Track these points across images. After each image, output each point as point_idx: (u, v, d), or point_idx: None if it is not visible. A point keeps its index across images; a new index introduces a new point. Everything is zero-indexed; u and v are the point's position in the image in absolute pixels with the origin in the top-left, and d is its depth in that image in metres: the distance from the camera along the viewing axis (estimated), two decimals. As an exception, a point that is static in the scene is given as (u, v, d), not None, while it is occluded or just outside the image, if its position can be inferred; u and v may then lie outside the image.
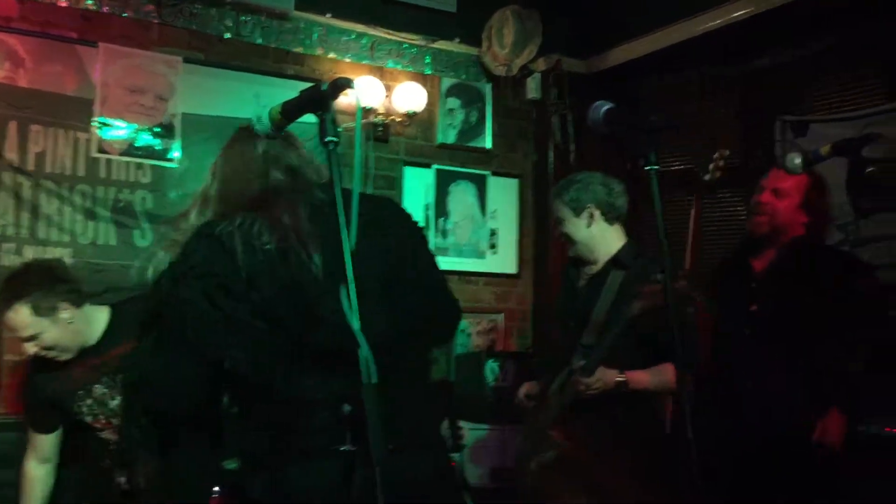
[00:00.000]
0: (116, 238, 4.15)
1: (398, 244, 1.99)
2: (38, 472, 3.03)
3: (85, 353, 2.92)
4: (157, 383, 1.90)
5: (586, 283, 3.16)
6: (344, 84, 1.62)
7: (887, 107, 3.91)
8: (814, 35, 4.23)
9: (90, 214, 4.11)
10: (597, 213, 3.09)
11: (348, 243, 1.57)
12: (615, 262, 3.06)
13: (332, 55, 4.78)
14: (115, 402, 2.90)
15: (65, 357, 2.89)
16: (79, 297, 2.89)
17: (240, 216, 1.81)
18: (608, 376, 2.87)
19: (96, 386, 2.91)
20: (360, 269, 1.58)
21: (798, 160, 2.65)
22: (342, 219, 1.58)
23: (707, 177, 3.05)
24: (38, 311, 2.78)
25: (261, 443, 1.82)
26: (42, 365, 2.93)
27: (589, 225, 3.10)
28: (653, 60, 4.86)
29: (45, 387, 2.95)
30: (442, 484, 1.99)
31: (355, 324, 1.55)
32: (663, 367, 2.93)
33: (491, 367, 4.66)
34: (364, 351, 1.54)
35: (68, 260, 4.01)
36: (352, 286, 1.56)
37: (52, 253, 3.99)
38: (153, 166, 4.26)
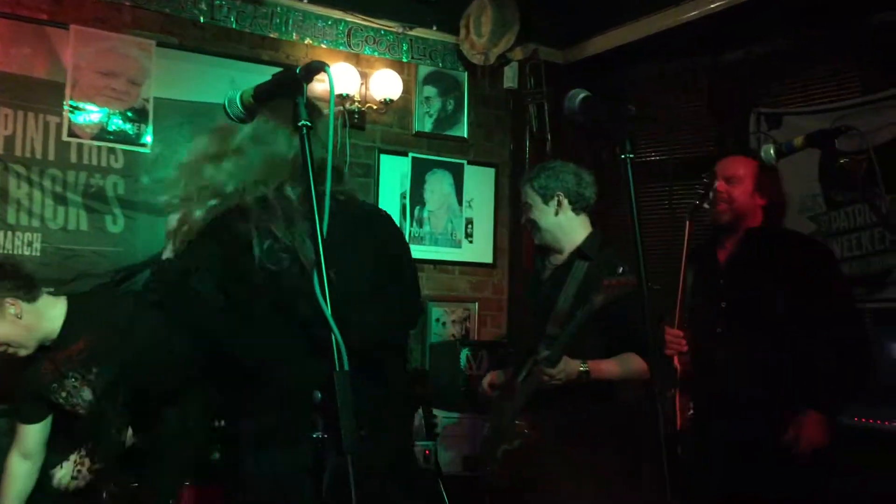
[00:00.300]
0: (88, 223, 4.09)
1: (386, 243, 2.07)
2: (19, 469, 3.01)
3: (49, 347, 2.92)
4: (149, 361, 1.94)
5: (551, 273, 3.19)
6: (318, 67, 1.60)
7: (861, 100, 3.95)
8: (789, 28, 4.26)
9: (61, 199, 4.05)
10: (565, 202, 3.13)
11: (320, 230, 1.56)
12: (579, 252, 3.10)
13: (308, 41, 4.74)
14: (86, 393, 2.89)
15: (24, 353, 2.89)
16: (28, 293, 2.88)
17: (253, 213, 1.82)
18: (571, 366, 2.89)
19: (66, 380, 2.89)
20: (353, 266, 1.67)
21: (772, 151, 2.67)
22: (314, 205, 1.57)
23: (706, 205, 3.03)
24: None
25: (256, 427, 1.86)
26: (15, 359, 2.92)
27: (556, 213, 3.13)
28: (629, 51, 4.87)
29: (29, 378, 2.95)
30: (400, 470, 2.00)
31: (327, 311, 1.53)
32: (627, 357, 2.98)
33: (465, 356, 4.66)
34: (336, 338, 1.53)
35: (38, 245, 3.96)
36: (324, 274, 1.55)
37: (22, 238, 3.94)
38: (125, 151, 4.21)
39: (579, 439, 2.97)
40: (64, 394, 2.90)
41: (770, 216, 3.09)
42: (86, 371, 2.88)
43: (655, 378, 1.75)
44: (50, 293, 3.02)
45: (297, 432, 1.69)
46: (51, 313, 2.94)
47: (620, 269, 2.81)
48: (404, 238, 2.27)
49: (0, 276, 2.87)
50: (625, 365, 2.98)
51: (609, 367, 2.97)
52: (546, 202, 3.13)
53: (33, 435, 3.01)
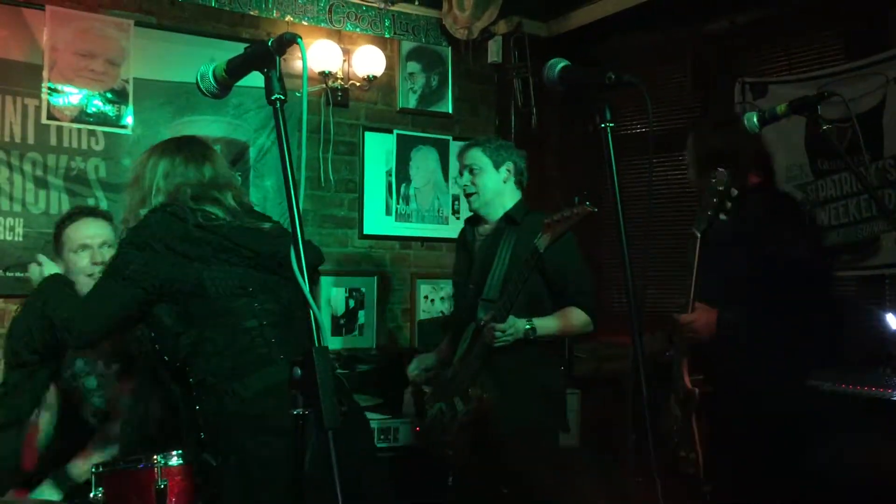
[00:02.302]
0: (70, 207, 4.04)
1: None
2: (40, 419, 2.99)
3: None
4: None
5: (482, 242, 3.30)
6: (290, 39, 1.57)
7: (845, 67, 3.93)
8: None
9: (42, 183, 4.01)
10: (513, 172, 3.27)
11: (297, 206, 1.54)
12: (507, 218, 3.22)
13: (288, 18, 4.69)
14: (91, 381, 2.90)
15: None
16: None
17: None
18: (518, 325, 2.98)
19: (77, 359, 2.91)
20: None
21: (755, 119, 2.66)
22: (290, 187, 1.54)
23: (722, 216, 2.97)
24: None
25: None
26: None
27: (505, 181, 3.25)
28: (613, 22, 4.83)
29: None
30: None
31: (305, 288, 1.52)
32: (569, 311, 3.11)
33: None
34: (315, 315, 1.52)
35: (20, 230, 3.93)
36: (301, 253, 1.53)
37: (4, 223, 3.92)
38: (106, 133, 4.17)
39: (538, 399, 3.08)
40: (69, 372, 2.91)
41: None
42: (105, 364, 2.90)
43: (637, 347, 1.74)
44: None
45: None
46: None
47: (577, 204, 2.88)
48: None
49: None
50: (568, 319, 3.11)
51: (553, 323, 3.09)
52: (497, 168, 3.24)
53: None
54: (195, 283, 2.25)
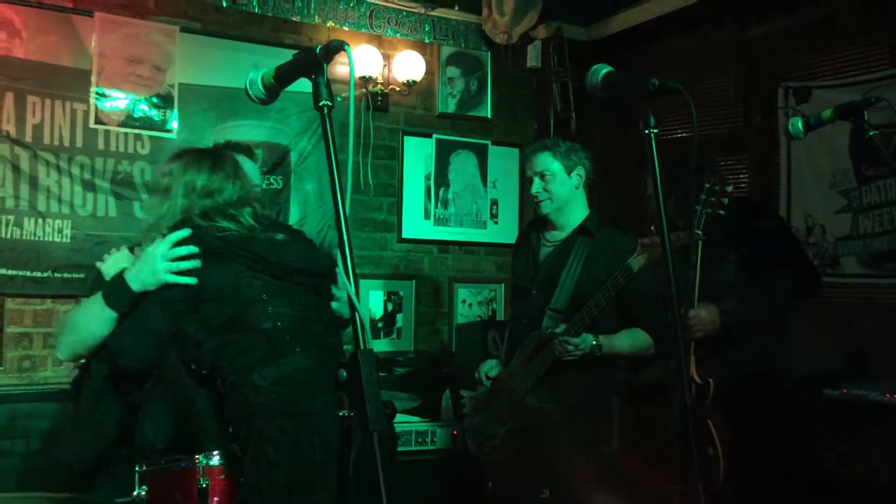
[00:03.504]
0: (116, 210, 4.14)
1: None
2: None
3: None
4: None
5: (552, 248, 3.21)
6: (337, 46, 1.59)
7: (891, 72, 3.87)
8: (817, 0, 4.18)
9: (89, 186, 4.09)
10: (584, 176, 3.18)
11: (343, 211, 1.56)
12: (582, 229, 3.14)
13: (330, 24, 4.74)
14: None
15: None
16: None
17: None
18: (587, 340, 2.94)
19: None
20: None
21: (800, 124, 2.63)
22: (336, 191, 1.57)
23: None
24: None
25: None
26: None
27: (577, 186, 3.17)
28: (653, 27, 4.81)
29: None
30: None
31: (351, 290, 1.54)
32: (635, 332, 3.06)
33: (492, 337, 4.66)
34: (360, 317, 1.53)
35: (68, 232, 4.02)
36: (349, 257, 1.55)
37: (52, 225, 4.00)
38: (152, 137, 4.24)
39: (594, 413, 3.03)
40: None
41: None
42: None
43: (678, 354, 1.74)
44: None
45: None
46: None
47: (652, 228, 2.87)
48: None
49: None
50: (634, 340, 3.06)
51: (620, 342, 3.04)
52: (569, 173, 3.15)
53: None
54: (213, 288, 2.34)
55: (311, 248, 2.66)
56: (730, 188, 2.92)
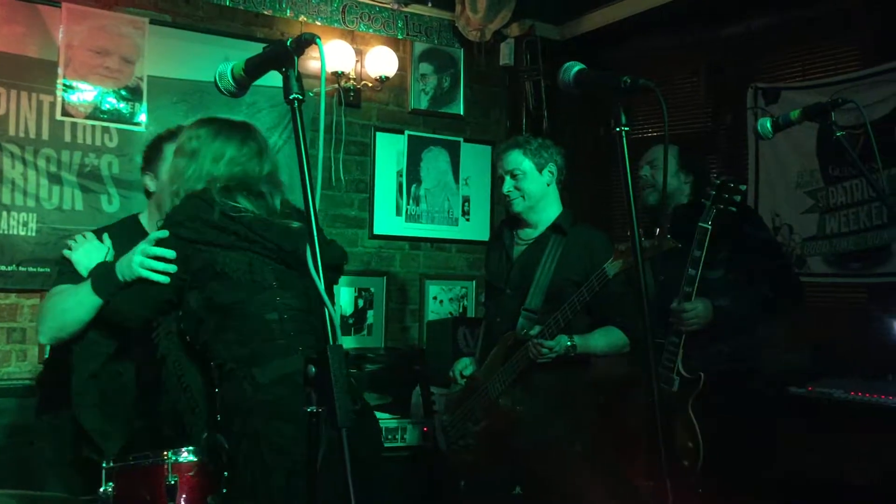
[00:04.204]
0: (83, 203, 4.08)
1: None
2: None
3: None
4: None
5: (525, 247, 3.18)
6: (309, 39, 1.58)
7: (859, 74, 3.93)
8: (787, 1, 4.23)
9: (55, 179, 4.03)
10: (556, 174, 3.15)
11: (313, 202, 1.55)
12: (555, 227, 3.11)
13: (302, 18, 4.70)
14: None
15: None
16: None
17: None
18: (561, 341, 2.92)
19: None
20: None
21: (768, 125, 2.66)
22: (307, 186, 1.55)
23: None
24: None
25: None
26: None
27: (549, 184, 3.14)
28: (626, 26, 4.83)
29: None
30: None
31: (320, 286, 1.53)
32: (610, 330, 3.04)
33: (463, 335, 4.66)
34: (330, 313, 1.53)
35: (34, 225, 3.96)
36: (318, 253, 1.54)
37: (17, 218, 3.93)
38: (119, 130, 4.19)
39: (567, 412, 3.01)
40: None
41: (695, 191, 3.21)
42: None
43: (650, 349, 1.74)
44: None
45: None
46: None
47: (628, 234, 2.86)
48: None
49: None
50: (609, 339, 3.04)
51: (595, 342, 3.02)
52: (540, 171, 3.12)
53: None
54: (220, 267, 2.27)
55: (325, 239, 2.60)
56: (744, 187, 2.92)
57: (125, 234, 2.75)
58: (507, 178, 3.14)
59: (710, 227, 2.87)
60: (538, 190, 3.12)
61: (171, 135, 2.80)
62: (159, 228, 2.34)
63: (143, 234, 2.63)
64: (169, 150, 2.68)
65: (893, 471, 3.06)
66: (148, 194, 2.84)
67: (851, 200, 3.95)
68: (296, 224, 2.38)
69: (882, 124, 3.71)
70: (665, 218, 3.19)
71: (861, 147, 3.60)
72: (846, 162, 3.82)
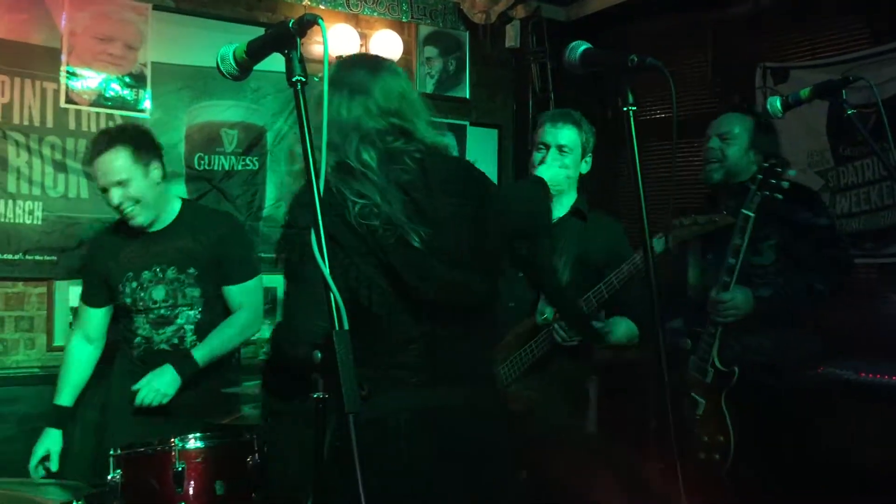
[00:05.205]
0: (88, 191, 4.05)
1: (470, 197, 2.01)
2: (82, 352, 3.22)
3: (148, 236, 3.09)
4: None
5: None
6: (311, 21, 1.55)
7: (870, 51, 3.88)
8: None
9: (60, 167, 4.02)
10: (588, 155, 2.97)
11: (317, 187, 1.52)
12: (576, 211, 2.98)
13: (305, 2, 4.67)
14: (157, 292, 3.06)
15: (140, 220, 3.03)
16: (164, 169, 3.12)
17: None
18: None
19: (145, 272, 3.07)
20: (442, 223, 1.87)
21: (777, 104, 2.63)
22: (311, 170, 1.52)
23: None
24: (136, 158, 2.97)
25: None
26: (106, 240, 3.20)
27: (587, 166, 2.96)
28: (633, 6, 4.79)
29: (101, 261, 3.15)
30: (474, 416, 1.98)
31: (325, 270, 1.51)
32: (623, 320, 2.92)
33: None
34: (336, 298, 1.50)
35: (39, 213, 3.94)
36: (323, 238, 1.51)
37: (23, 206, 3.92)
38: (124, 117, 4.15)
39: (574, 397, 2.99)
40: (134, 284, 3.06)
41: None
42: (178, 269, 3.06)
43: (661, 336, 1.72)
44: None
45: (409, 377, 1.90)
46: (172, 204, 3.16)
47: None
48: (488, 186, 2.13)
49: (150, 140, 3.09)
50: (627, 329, 2.93)
51: (617, 330, 2.90)
52: (583, 156, 2.92)
53: (97, 319, 3.20)
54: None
55: None
56: (793, 172, 2.81)
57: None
58: (554, 150, 2.88)
59: (752, 214, 2.77)
60: (576, 174, 2.93)
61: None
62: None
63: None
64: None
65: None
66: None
67: (862, 180, 3.91)
68: None
69: (894, 102, 3.67)
70: (726, 194, 3.09)
71: (872, 126, 3.57)
72: (857, 141, 3.78)
